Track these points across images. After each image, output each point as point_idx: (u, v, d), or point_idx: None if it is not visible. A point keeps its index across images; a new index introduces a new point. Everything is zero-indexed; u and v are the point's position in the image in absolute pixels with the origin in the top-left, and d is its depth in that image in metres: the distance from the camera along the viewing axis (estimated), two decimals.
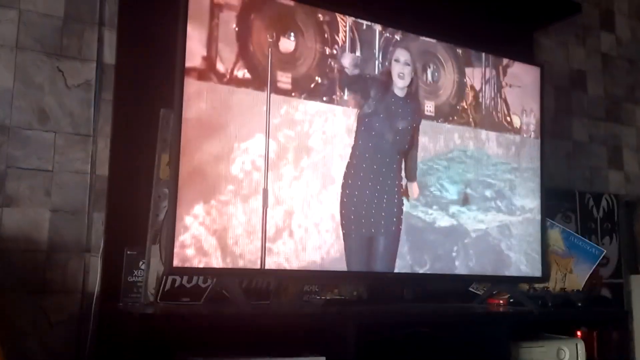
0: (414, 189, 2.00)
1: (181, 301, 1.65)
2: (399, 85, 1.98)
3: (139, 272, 1.70)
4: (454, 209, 2.07)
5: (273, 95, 1.74)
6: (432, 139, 2.04)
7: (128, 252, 1.70)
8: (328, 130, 1.83)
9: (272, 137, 1.72)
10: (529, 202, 2.22)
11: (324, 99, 1.85)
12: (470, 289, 2.21)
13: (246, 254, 1.63)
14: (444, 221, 2.03)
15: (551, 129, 2.65)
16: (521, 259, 2.16)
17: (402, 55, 2.01)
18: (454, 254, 2.03)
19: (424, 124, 2.02)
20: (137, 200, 1.71)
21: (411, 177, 1.99)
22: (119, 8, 1.82)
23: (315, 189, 1.78)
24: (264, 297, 1.77)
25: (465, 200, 2.09)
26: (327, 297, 1.86)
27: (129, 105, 1.78)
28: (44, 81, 1.74)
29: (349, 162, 1.85)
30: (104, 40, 1.82)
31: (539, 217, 2.23)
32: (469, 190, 2.11)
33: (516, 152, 2.23)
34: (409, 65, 2.02)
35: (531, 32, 2.61)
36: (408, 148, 1.98)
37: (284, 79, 1.78)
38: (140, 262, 1.69)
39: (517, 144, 2.23)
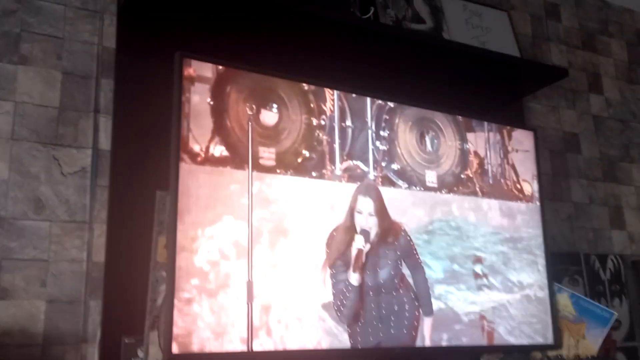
0: (426, 327, 1.84)
1: None
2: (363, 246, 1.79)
3: None
4: (440, 289, 1.92)
5: (241, 172, 1.64)
6: (428, 212, 1.94)
7: (126, 341, 1.65)
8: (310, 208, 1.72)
9: (244, 219, 1.61)
10: (526, 276, 2.08)
11: (313, 174, 1.78)
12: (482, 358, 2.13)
13: None
14: (433, 304, 1.89)
15: (551, 193, 2.64)
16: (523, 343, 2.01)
17: (364, 205, 1.82)
18: (443, 343, 1.87)
19: (419, 196, 1.95)
20: (134, 286, 1.68)
21: (425, 310, 1.86)
22: (114, 95, 1.85)
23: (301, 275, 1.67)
24: None
25: (452, 279, 1.92)
26: None
27: (124, 189, 1.77)
28: (39, 170, 1.74)
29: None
30: (99, 127, 1.83)
31: (540, 293, 2.09)
32: (455, 267, 1.96)
33: (521, 220, 2.13)
34: (372, 216, 1.84)
35: (520, 98, 2.65)
36: (398, 285, 1.84)
37: (267, 155, 1.70)
38: (139, 350, 1.64)
39: (523, 212, 2.14)
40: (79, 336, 1.68)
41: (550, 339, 2.09)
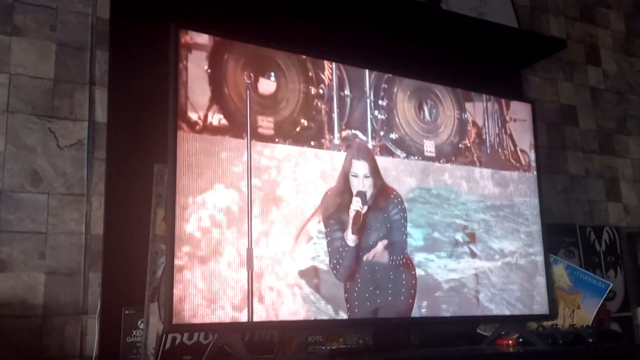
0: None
1: (183, 359, 1.60)
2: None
3: (137, 332, 1.65)
4: (420, 256, 1.90)
5: (235, 141, 1.62)
6: (420, 181, 1.94)
7: (126, 312, 1.66)
8: (299, 178, 1.71)
9: (235, 187, 1.60)
10: (508, 243, 2.06)
11: (312, 143, 1.77)
12: (478, 331, 2.16)
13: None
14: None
15: (547, 165, 2.65)
16: (504, 311, 2.00)
17: (359, 168, 1.83)
18: (423, 310, 1.86)
19: (415, 165, 1.95)
20: (133, 258, 1.68)
21: (396, 252, 1.86)
22: (109, 67, 1.83)
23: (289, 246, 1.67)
24: (267, 351, 1.72)
25: (432, 246, 1.90)
26: (333, 347, 1.81)
27: (122, 162, 1.76)
28: (35, 143, 1.73)
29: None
30: (95, 99, 1.82)
31: (522, 260, 2.07)
32: (436, 235, 1.94)
33: (514, 189, 2.13)
34: (368, 177, 1.85)
35: (518, 70, 2.64)
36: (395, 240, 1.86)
37: (266, 124, 1.69)
38: (139, 322, 1.65)
39: (516, 180, 2.14)
40: (79, 307, 1.69)
41: (533, 307, 2.09)
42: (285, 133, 1.73)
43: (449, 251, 1.96)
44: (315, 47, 1.89)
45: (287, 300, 1.65)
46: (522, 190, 2.18)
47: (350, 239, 1.79)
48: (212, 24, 1.72)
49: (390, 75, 1.98)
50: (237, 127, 1.65)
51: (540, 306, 2.10)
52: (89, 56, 1.84)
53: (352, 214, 1.80)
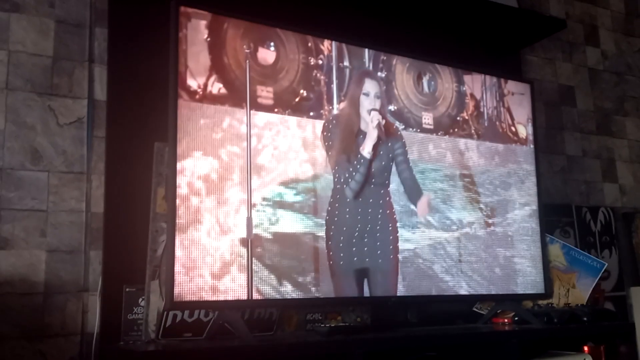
0: (420, 207, 1.90)
1: (183, 337, 1.62)
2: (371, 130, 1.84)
3: (138, 309, 1.67)
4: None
5: (215, 107, 1.60)
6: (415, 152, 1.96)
7: (127, 290, 1.67)
8: (286, 146, 1.69)
9: (214, 155, 1.58)
10: (466, 214, 2.01)
11: (311, 114, 1.76)
12: (474, 309, 2.18)
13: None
14: None
15: (545, 144, 2.66)
16: (461, 284, 1.97)
17: (371, 86, 1.88)
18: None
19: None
20: (134, 237, 1.69)
21: (414, 197, 1.92)
22: (108, 44, 1.82)
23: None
24: (266, 328, 1.74)
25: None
26: (331, 325, 1.83)
27: (122, 140, 1.76)
28: (35, 121, 1.73)
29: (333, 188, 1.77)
30: (94, 77, 1.81)
31: (481, 231, 2.04)
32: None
33: (500, 161, 2.11)
34: (379, 98, 1.89)
35: (518, 50, 2.64)
36: (388, 182, 1.89)
37: (265, 94, 1.68)
38: (140, 299, 1.67)
39: (501, 153, 2.12)
40: (80, 285, 1.71)
41: (491, 279, 2.05)
42: (285, 103, 1.73)
43: (404, 221, 1.90)
44: (315, 23, 1.87)
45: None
46: (516, 162, 2.18)
47: (367, 150, 1.83)
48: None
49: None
50: (236, 96, 1.65)
51: (501, 280, 2.08)
52: (88, 33, 1.83)
53: (374, 123, 1.83)
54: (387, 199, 1.90)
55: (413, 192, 1.93)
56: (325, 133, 1.79)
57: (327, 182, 1.78)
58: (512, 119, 2.18)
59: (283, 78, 1.73)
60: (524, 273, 2.13)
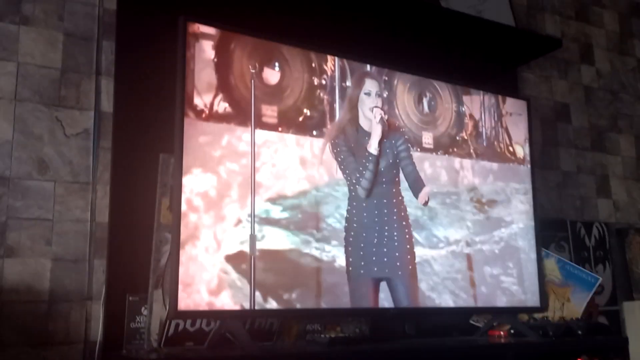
0: (421, 196, 1.94)
1: (185, 346, 1.64)
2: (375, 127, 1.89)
3: (141, 319, 1.69)
4: None
5: (220, 125, 1.63)
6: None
7: (130, 299, 1.70)
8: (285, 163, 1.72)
9: (213, 171, 1.61)
10: (453, 231, 2.02)
11: (314, 133, 1.80)
12: (471, 322, 2.21)
13: None
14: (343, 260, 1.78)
15: (541, 161, 2.70)
16: (447, 300, 1.96)
17: (372, 85, 1.93)
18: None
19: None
20: (138, 246, 1.72)
21: (417, 190, 1.95)
22: (115, 57, 1.85)
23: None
24: (267, 338, 1.77)
25: None
26: (331, 336, 1.85)
27: (127, 152, 1.79)
28: (42, 131, 1.76)
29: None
30: (101, 89, 1.85)
31: (467, 249, 2.05)
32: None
33: (498, 180, 2.14)
34: (380, 97, 1.94)
35: (515, 68, 2.69)
36: (399, 180, 1.94)
37: (270, 113, 1.72)
38: (143, 308, 1.69)
39: (496, 172, 2.15)
40: (84, 294, 1.73)
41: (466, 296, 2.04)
42: (289, 122, 1.76)
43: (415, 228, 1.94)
44: (318, 41, 1.92)
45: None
46: (514, 181, 2.21)
47: (373, 147, 1.88)
48: (218, 15, 1.75)
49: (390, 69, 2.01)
50: (242, 115, 1.68)
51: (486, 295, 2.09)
52: (95, 46, 1.87)
53: (377, 118, 1.88)
54: (400, 198, 1.94)
55: (416, 185, 1.98)
56: (335, 150, 1.84)
57: (332, 195, 1.81)
58: (510, 138, 2.22)
59: (287, 97, 1.77)
60: (518, 287, 2.16)
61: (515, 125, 2.25)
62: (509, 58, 2.60)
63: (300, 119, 1.79)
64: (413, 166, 1.99)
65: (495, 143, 2.19)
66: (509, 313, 2.13)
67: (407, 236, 1.94)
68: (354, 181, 1.86)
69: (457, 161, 2.09)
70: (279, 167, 1.73)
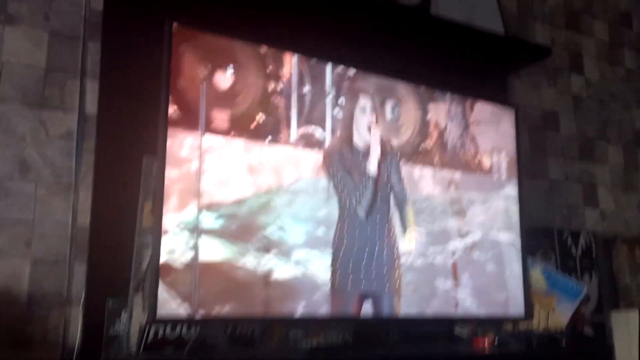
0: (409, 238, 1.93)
1: (165, 352, 1.62)
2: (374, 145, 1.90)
3: (121, 324, 1.67)
4: (300, 254, 1.75)
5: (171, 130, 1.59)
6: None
7: (110, 303, 1.67)
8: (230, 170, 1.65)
9: None
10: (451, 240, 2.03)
11: (269, 138, 1.74)
12: (455, 331, 2.20)
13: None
14: (289, 271, 1.71)
15: (529, 169, 2.70)
16: (433, 308, 1.95)
17: (366, 101, 1.92)
18: (297, 316, 1.71)
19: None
20: (119, 250, 1.70)
21: (401, 205, 1.94)
22: (101, 58, 1.83)
23: None
24: (248, 345, 1.75)
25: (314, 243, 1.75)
26: (313, 343, 1.84)
27: (111, 153, 1.77)
28: (25, 132, 1.74)
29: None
30: (86, 90, 1.83)
31: (418, 261, 1.98)
32: (320, 232, 1.79)
33: (455, 191, 2.08)
34: (374, 111, 1.93)
35: (504, 76, 2.68)
36: (389, 194, 1.93)
37: (221, 117, 1.67)
38: (123, 313, 1.67)
39: (457, 183, 2.09)
40: (63, 297, 1.71)
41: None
42: (241, 127, 1.72)
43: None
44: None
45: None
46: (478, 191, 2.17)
47: (371, 168, 1.88)
48: (203, 16, 1.74)
49: (355, 72, 1.94)
50: (191, 119, 1.64)
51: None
52: (81, 46, 1.85)
53: (374, 139, 1.88)
54: (390, 216, 1.93)
55: (400, 198, 1.96)
56: (330, 169, 1.83)
57: (271, 203, 1.73)
58: (477, 148, 2.18)
59: (241, 102, 1.72)
60: (504, 296, 2.15)
61: (483, 134, 2.21)
62: (499, 66, 2.60)
63: (254, 124, 1.74)
64: (401, 186, 1.97)
65: (461, 152, 2.14)
66: (493, 322, 2.12)
67: (395, 254, 1.92)
68: (354, 202, 1.84)
69: (416, 170, 2.03)
70: (223, 174, 1.67)
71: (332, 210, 1.83)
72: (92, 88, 1.83)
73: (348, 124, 1.89)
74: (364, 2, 2.11)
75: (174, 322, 1.60)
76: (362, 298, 1.85)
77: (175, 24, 1.66)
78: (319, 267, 1.77)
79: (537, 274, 2.30)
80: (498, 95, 2.59)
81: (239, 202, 1.69)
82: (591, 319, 2.64)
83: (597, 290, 2.73)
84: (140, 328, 1.62)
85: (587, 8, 3.19)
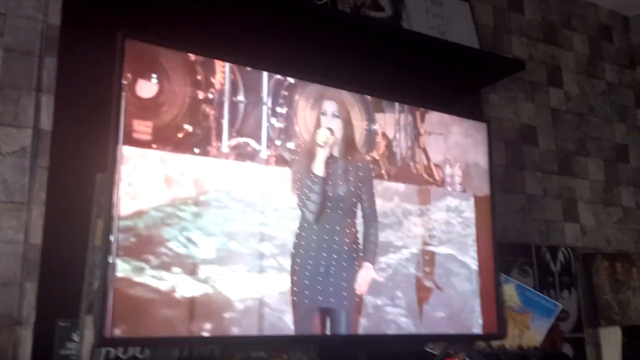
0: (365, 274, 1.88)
1: None
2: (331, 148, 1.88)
3: (72, 345, 1.62)
4: (207, 271, 1.63)
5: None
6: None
7: (61, 324, 1.63)
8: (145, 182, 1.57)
9: None
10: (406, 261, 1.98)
11: (196, 150, 1.66)
12: (426, 349, 2.15)
13: None
14: (195, 289, 1.59)
15: (504, 184, 2.66)
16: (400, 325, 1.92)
17: (328, 105, 1.92)
18: (204, 333, 1.59)
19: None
20: (71, 269, 1.65)
21: (369, 222, 1.92)
22: (57, 73, 1.80)
23: None
24: None
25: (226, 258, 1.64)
26: None
27: (64, 171, 1.73)
28: None
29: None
30: (41, 106, 1.79)
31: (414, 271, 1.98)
32: (233, 245, 1.67)
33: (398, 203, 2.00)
34: (337, 117, 1.93)
35: (478, 89, 2.65)
36: (353, 206, 1.89)
37: (142, 129, 1.59)
38: (74, 334, 1.62)
39: (401, 195, 2.01)
40: (13, 318, 1.66)
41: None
42: (165, 139, 1.63)
43: (249, 265, 1.70)
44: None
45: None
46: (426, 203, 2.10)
47: (318, 168, 1.85)
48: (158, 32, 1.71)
49: (292, 81, 1.88)
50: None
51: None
52: (37, 62, 1.82)
53: (321, 139, 1.87)
54: (354, 230, 1.89)
55: (369, 217, 1.93)
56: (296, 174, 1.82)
57: (176, 215, 1.63)
58: (428, 159, 2.13)
59: (165, 112, 1.63)
60: (475, 313, 2.11)
61: (435, 146, 2.16)
62: (473, 80, 2.56)
63: (180, 135, 1.66)
64: (370, 202, 1.94)
65: (412, 164, 2.08)
66: (465, 341, 2.07)
67: (357, 268, 1.89)
68: (302, 203, 1.82)
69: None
70: (135, 186, 1.57)
71: (247, 223, 1.71)
72: (47, 104, 1.80)
73: (314, 127, 1.89)
74: (333, 14, 2.09)
75: (124, 344, 1.55)
76: (324, 313, 1.80)
77: (127, 40, 1.63)
78: (231, 283, 1.64)
79: (510, 290, 2.25)
80: (472, 109, 2.56)
81: (138, 214, 1.58)
82: (570, 337, 2.59)
83: (577, 307, 2.68)
84: (91, 350, 1.57)
85: (566, 22, 3.17)
